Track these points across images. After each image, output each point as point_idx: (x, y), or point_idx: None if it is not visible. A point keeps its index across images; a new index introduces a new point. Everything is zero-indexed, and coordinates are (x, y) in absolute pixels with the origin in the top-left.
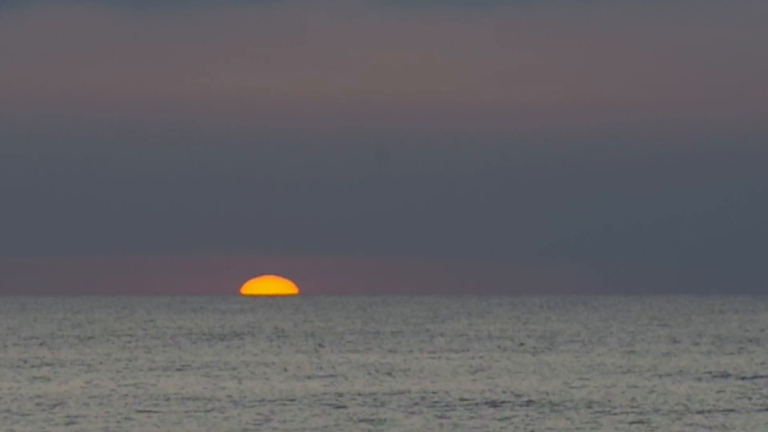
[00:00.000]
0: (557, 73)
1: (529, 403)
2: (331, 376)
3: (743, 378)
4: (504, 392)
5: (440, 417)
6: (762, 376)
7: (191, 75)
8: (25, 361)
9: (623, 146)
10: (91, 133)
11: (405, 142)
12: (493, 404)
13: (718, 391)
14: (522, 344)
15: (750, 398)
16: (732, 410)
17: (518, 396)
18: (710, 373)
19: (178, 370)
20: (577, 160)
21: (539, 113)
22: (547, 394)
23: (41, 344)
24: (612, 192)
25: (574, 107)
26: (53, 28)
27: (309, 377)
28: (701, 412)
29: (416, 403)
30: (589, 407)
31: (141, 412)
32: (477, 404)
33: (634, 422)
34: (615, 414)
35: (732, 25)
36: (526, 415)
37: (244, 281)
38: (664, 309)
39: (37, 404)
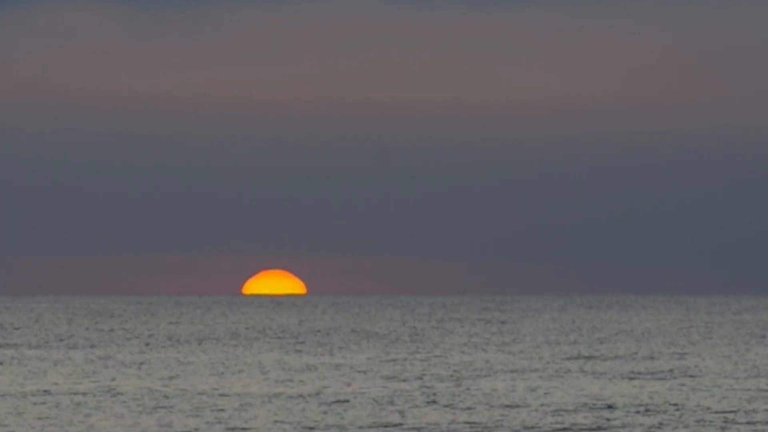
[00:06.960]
0: (565, 73)
1: None
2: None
3: None
4: None
5: None
6: None
7: (192, 74)
8: None
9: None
10: (91, 132)
11: (414, 142)
12: None
13: None
14: None
15: None
16: None
17: None
18: None
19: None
20: (587, 162)
21: (542, 114)
22: None
23: None
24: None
25: (573, 108)
26: (57, 27)
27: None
28: None
29: None
30: None
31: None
32: None
33: None
34: None
35: None
36: None
37: (245, 281)
38: None
39: None
